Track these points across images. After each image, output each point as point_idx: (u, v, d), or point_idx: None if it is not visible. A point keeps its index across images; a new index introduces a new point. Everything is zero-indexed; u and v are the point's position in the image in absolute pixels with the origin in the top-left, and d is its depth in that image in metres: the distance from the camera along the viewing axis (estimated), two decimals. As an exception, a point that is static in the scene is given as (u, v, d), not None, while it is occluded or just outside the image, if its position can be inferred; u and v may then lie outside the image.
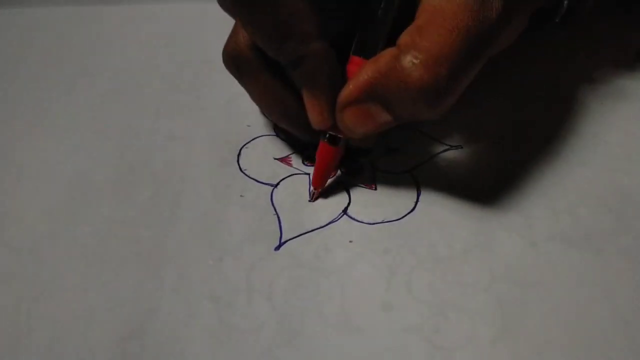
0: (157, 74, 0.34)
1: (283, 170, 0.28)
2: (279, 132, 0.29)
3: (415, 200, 0.26)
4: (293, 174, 0.27)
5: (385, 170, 0.27)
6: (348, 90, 0.22)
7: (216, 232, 0.25)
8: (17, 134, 0.30)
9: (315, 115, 0.23)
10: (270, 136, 0.30)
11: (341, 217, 0.25)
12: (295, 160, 0.28)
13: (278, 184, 0.27)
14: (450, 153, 0.28)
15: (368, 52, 0.22)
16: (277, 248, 0.24)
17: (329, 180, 0.27)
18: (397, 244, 0.24)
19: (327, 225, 0.25)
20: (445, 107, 0.21)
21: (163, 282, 0.23)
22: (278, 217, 0.25)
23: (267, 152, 0.29)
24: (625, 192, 0.26)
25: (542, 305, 0.22)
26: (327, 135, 0.24)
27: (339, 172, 0.27)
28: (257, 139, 0.29)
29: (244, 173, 0.27)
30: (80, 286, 0.23)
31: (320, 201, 0.26)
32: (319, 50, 0.22)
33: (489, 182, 0.26)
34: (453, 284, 0.23)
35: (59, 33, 0.37)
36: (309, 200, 0.26)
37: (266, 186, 0.27)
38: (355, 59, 0.23)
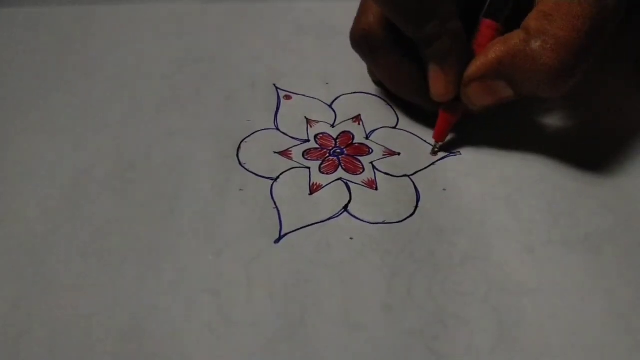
0: (157, 70, 0.33)
1: (283, 164, 0.27)
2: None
3: (415, 205, 0.26)
4: (293, 168, 0.27)
5: (386, 172, 0.27)
6: (477, 66, 0.24)
7: (215, 226, 0.25)
8: (16, 131, 0.30)
9: (439, 89, 0.26)
10: (270, 130, 0.29)
11: (341, 213, 0.25)
12: (296, 154, 0.28)
13: (278, 177, 0.27)
14: (449, 160, 0.28)
15: (498, 16, 0.25)
16: (277, 241, 0.24)
17: (330, 180, 0.27)
18: (397, 247, 0.24)
19: (327, 220, 0.25)
20: (568, 88, 0.24)
21: (162, 277, 0.23)
22: (278, 211, 0.25)
23: (267, 146, 0.28)
24: (625, 192, 0.26)
25: (540, 311, 0.22)
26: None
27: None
28: (257, 133, 0.29)
29: (244, 167, 0.27)
30: (80, 281, 0.23)
31: (320, 196, 0.26)
32: (455, 29, 0.25)
33: (487, 188, 0.27)
34: (451, 292, 0.23)
35: (58, 33, 0.37)
36: (431, 153, 0.28)
37: (266, 180, 0.27)
38: (486, 22, 0.26)
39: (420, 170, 0.27)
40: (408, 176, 0.27)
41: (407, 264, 0.23)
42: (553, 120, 0.30)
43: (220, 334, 0.21)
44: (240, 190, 0.26)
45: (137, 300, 0.22)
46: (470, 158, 0.28)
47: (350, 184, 0.27)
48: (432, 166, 0.28)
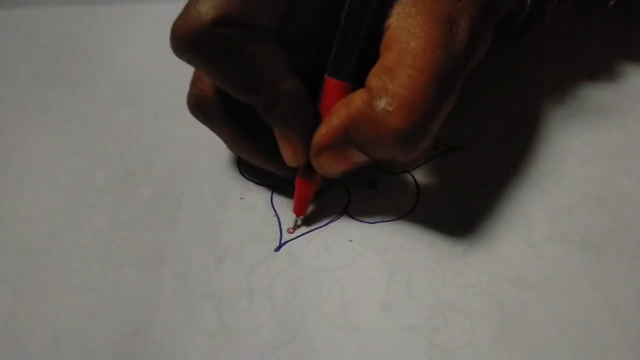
0: (158, 76, 0.34)
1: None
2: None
3: (415, 200, 0.26)
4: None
5: (385, 170, 0.27)
6: (321, 136, 0.21)
7: (216, 234, 0.25)
8: (18, 135, 0.31)
9: (289, 155, 0.23)
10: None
11: (341, 216, 0.25)
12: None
13: (278, 186, 0.27)
14: (450, 154, 0.28)
15: (343, 73, 0.22)
16: (277, 249, 0.24)
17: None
18: (397, 244, 0.24)
19: (327, 224, 0.25)
20: (422, 148, 0.20)
21: (163, 283, 0.23)
22: (278, 219, 0.25)
23: (268, 154, 0.29)
24: (625, 192, 0.26)
25: (541, 306, 0.22)
26: (306, 165, 0.23)
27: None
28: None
29: (244, 176, 0.28)
30: (80, 287, 0.23)
31: (319, 201, 0.26)
32: (291, 89, 0.21)
33: (488, 183, 0.26)
34: (452, 284, 0.23)
35: (59, 33, 0.37)
36: (289, 230, 0.25)
37: (266, 189, 0.27)
38: (330, 81, 0.22)
39: (420, 165, 0.27)
40: (408, 172, 0.27)
41: (407, 259, 0.23)
42: (554, 117, 0.29)
43: (221, 341, 0.21)
44: (241, 198, 0.27)
45: (137, 306, 0.23)
46: (470, 152, 0.28)
47: (349, 185, 0.27)
48: (432, 161, 0.27)
